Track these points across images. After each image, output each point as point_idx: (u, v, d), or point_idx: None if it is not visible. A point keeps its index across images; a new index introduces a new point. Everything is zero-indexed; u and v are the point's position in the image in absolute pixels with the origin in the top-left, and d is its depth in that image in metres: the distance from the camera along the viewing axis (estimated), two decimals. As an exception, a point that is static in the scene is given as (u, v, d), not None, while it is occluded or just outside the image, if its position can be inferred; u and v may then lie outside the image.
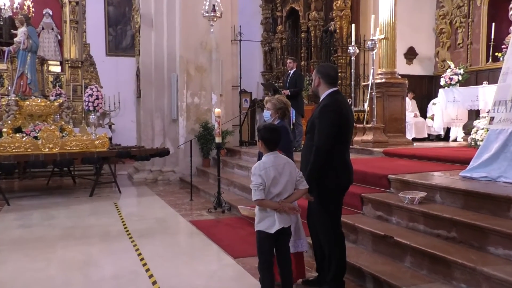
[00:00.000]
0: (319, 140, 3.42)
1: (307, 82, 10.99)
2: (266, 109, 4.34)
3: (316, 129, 3.45)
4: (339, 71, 11.32)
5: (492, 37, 9.82)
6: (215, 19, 8.97)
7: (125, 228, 6.14)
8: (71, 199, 8.42)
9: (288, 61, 9.08)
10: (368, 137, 7.97)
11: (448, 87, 9.37)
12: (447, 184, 4.53)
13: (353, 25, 9.06)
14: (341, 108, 3.48)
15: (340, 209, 3.65)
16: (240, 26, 11.05)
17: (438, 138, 10.73)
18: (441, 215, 4.07)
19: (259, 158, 3.81)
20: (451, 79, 9.36)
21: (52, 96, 11.08)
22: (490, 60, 10.06)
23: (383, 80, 8.45)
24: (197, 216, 6.82)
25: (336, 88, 3.60)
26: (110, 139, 11.10)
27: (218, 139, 7.07)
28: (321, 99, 3.61)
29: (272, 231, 3.22)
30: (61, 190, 9.49)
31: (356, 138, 8.27)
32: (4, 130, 8.41)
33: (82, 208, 7.60)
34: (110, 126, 14.31)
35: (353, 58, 8.89)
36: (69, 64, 13.87)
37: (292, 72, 8.85)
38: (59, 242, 5.52)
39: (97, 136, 8.94)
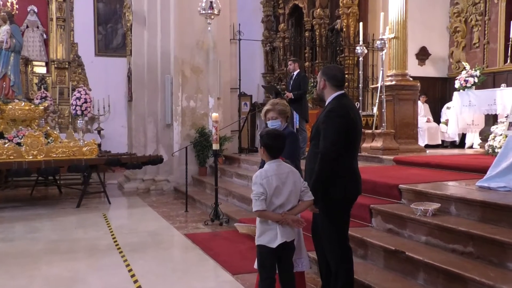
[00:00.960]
0: (325, 147, 3.41)
1: (312, 84, 11.00)
2: (271, 119, 4.18)
3: (322, 135, 3.44)
4: (345, 72, 11.35)
5: (511, 36, 9.84)
6: (212, 16, 9.01)
7: (115, 241, 6.12)
8: (56, 210, 8.39)
9: (289, 62, 9.09)
10: (378, 143, 7.97)
11: (464, 90, 9.37)
12: (463, 195, 4.51)
13: (361, 24, 9.10)
14: (349, 112, 3.48)
15: (347, 222, 3.64)
16: (239, 24, 11.08)
17: (452, 145, 10.72)
18: (457, 228, 4.06)
19: (261, 167, 3.80)
20: (466, 81, 9.37)
21: (37, 99, 11.08)
22: (508, 61, 10.07)
23: (393, 83, 8.46)
24: (193, 229, 6.80)
25: (343, 91, 3.61)
26: (99, 145, 11.10)
27: (215, 146, 7.06)
28: (326, 103, 3.61)
29: (274, 245, 3.21)
30: (46, 201, 9.48)
31: (364, 145, 8.26)
32: (-15, 136, 8.42)
33: (68, 220, 7.58)
34: (99, 132, 14.32)
35: (361, 58, 8.92)
36: (55, 65, 13.89)
37: (295, 73, 8.85)
38: (43, 257, 5.49)
39: (85, 142, 8.94)
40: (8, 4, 9.52)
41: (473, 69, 9.53)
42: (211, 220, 7.08)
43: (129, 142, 12.26)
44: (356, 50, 9.09)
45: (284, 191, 3.22)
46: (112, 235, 6.49)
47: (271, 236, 3.22)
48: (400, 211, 4.73)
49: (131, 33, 11.42)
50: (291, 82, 8.90)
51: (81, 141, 8.97)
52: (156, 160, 9.52)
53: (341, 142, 3.38)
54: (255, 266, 3.40)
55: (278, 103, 4.19)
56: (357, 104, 10.36)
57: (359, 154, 8.05)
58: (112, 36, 15.35)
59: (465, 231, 3.98)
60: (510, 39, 9.91)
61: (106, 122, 14.82)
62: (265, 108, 4.21)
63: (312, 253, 4.00)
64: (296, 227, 3.27)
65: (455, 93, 9.50)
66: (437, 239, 4.22)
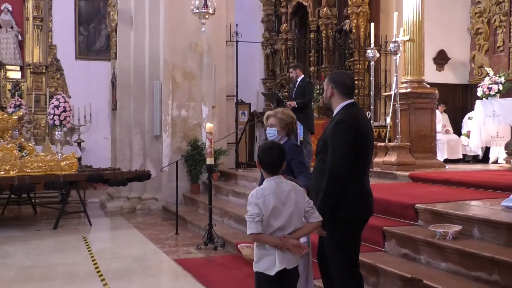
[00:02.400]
0: (333, 162, 3.42)
1: (317, 91, 11.04)
2: (269, 126, 4.33)
3: (329, 149, 3.46)
4: (355, 78, 11.39)
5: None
6: (207, 16, 9.06)
7: (96, 268, 6.09)
8: (31, 232, 8.36)
9: (290, 70, 9.13)
10: (391, 158, 7.99)
11: (487, 98, 9.41)
12: (487, 216, 4.52)
13: (372, 24, 9.15)
14: (359, 124, 3.50)
15: (358, 246, 3.64)
16: (236, 25, 11.15)
17: (475, 159, 10.74)
18: (480, 253, 4.05)
19: (261, 183, 3.81)
20: (490, 88, 9.40)
21: (10, 107, 11.11)
22: (536, 66, 10.13)
23: (408, 90, 8.49)
24: (184, 254, 6.77)
25: (352, 100, 3.63)
26: (79, 159, 11.09)
27: (209, 160, 7.06)
28: (334, 113, 3.63)
29: (272, 272, 3.19)
30: (19, 222, 9.44)
31: (376, 160, 8.27)
32: (-48, 148, 8.41)
33: (44, 243, 7.54)
34: (79, 144, 14.33)
35: (372, 63, 8.96)
36: (31, 70, 13.95)
37: (299, 80, 8.88)
38: (15, 286, 5.46)
39: (64, 156, 8.93)
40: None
41: (497, 75, 9.57)
42: (204, 243, 7.06)
43: (112, 155, 12.24)
44: (366, 54, 9.13)
45: (284, 212, 3.21)
46: (93, 260, 6.45)
47: (269, 263, 3.21)
48: (417, 234, 4.72)
49: (116, 34, 11.47)
50: (295, 89, 8.92)
51: (59, 154, 8.96)
52: (143, 176, 9.51)
53: (351, 157, 3.40)
54: None
55: (282, 112, 4.28)
56: (368, 113, 10.40)
57: (370, 170, 8.10)
58: (95, 38, 15.43)
59: (490, 256, 3.96)
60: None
61: (87, 134, 14.83)
62: (267, 113, 4.32)
63: (318, 281, 3.99)
64: (297, 254, 3.24)
65: (478, 102, 9.53)
66: (458, 265, 4.21)
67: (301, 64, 10.74)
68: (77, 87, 14.32)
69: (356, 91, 11.32)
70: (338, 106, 3.60)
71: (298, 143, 8.24)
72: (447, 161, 10.04)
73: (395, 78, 8.44)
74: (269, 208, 3.18)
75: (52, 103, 9.33)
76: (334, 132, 3.47)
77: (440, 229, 4.51)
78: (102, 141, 14.57)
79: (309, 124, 8.66)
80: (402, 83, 8.69)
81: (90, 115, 14.73)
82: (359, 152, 3.44)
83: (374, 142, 8.41)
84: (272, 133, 4.33)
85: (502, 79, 9.40)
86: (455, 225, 4.60)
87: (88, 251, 7.01)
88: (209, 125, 7.16)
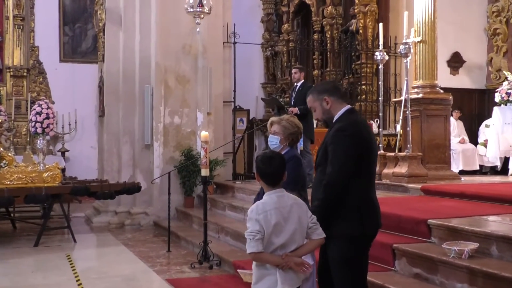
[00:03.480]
0: (332, 172, 3.47)
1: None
2: (272, 133, 4.33)
3: (329, 158, 3.51)
4: (363, 83, 11.43)
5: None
6: (202, 15, 9.07)
7: (81, 289, 6.08)
8: (9, 250, 8.32)
9: (293, 70, 9.16)
10: (402, 169, 7.99)
11: (505, 104, 9.43)
12: (506, 233, 4.51)
13: (380, 24, 9.18)
14: (361, 130, 3.55)
15: (366, 265, 3.64)
16: (234, 25, 11.18)
17: (493, 171, 10.73)
18: (499, 273, 4.04)
19: (258, 197, 3.80)
20: (509, 94, 9.44)
21: (-12, 114, 11.11)
22: (559, 69, 10.16)
23: (420, 95, 8.50)
24: (177, 273, 6.75)
25: (350, 106, 3.71)
26: (63, 170, 11.07)
27: (205, 171, 7.06)
28: (334, 120, 3.67)
29: (273, 294, 3.19)
30: (-3, 238, 9.43)
31: (386, 171, 8.28)
32: None
33: (24, 262, 7.51)
34: (63, 154, 14.31)
35: (380, 66, 8.98)
36: (11, 73, 13.96)
37: (299, 84, 8.91)
38: (-8, 308, 5.45)
39: (46, 167, 8.92)
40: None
41: (517, 79, 9.60)
42: (199, 262, 7.03)
43: (99, 166, 12.24)
44: (375, 56, 9.16)
45: (287, 229, 3.22)
46: (78, 280, 6.42)
47: (270, 283, 3.21)
48: (430, 252, 4.72)
49: (103, 34, 11.50)
50: (294, 95, 8.95)
51: (41, 165, 8.95)
52: (132, 188, 9.49)
53: (352, 167, 3.45)
54: None
55: (288, 120, 4.30)
56: (377, 121, 10.42)
57: (379, 182, 8.11)
58: (81, 39, 15.46)
59: (510, 277, 3.95)
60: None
61: (72, 142, 14.82)
62: (272, 119, 4.33)
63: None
64: (301, 272, 3.24)
65: (495, 108, 9.55)
66: (475, 286, 4.20)
67: (305, 69, 10.76)
68: (61, 92, 14.32)
69: (364, 96, 11.37)
70: (338, 113, 3.65)
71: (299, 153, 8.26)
72: (462, 172, 10.04)
73: (405, 82, 8.45)
74: (270, 225, 3.17)
75: (34, 109, 9.33)
76: (334, 140, 3.52)
77: (455, 247, 4.50)
78: (88, 151, 14.55)
79: (310, 133, 8.67)
80: (413, 88, 8.71)
81: (75, 122, 14.72)
82: (362, 161, 3.49)
83: (384, 152, 8.53)
84: (273, 141, 4.34)
85: (522, 84, 9.43)
86: (471, 242, 4.59)
87: (72, 270, 6.97)
88: (204, 133, 7.16)
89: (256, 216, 3.18)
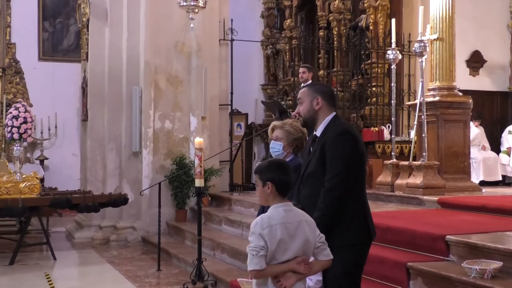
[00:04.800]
0: (333, 177, 3.61)
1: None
2: (273, 139, 4.35)
3: (330, 163, 3.65)
4: (373, 84, 11.45)
5: None
6: (196, 10, 9.09)
7: (62, 312, 6.07)
8: (-18, 268, 8.31)
9: (301, 70, 9.19)
10: (416, 180, 7.98)
11: (531, 108, 9.44)
12: (533, 250, 4.51)
13: (393, 20, 9.19)
14: (358, 135, 3.86)
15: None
16: (231, 20, 11.20)
17: (517, 181, 10.75)
18: (525, 295, 4.04)
19: (261, 213, 3.79)
20: (534, 97, 9.44)
21: (-40, 118, 11.10)
22: None
23: (436, 98, 8.51)
24: (167, 295, 6.74)
25: (336, 113, 3.91)
26: (42, 180, 11.05)
27: (199, 182, 7.05)
28: (322, 128, 3.82)
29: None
30: (-31, 255, 9.40)
31: (398, 182, 8.28)
32: None
33: (-2, 281, 7.50)
34: (42, 162, 14.30)
35: (393, 66, 8.99)
36: (-15, 73, 13.97)
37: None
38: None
39: (23, 176, 8.91)
40: None
41: (543, 81, 9.62)
42: (192, 282, 7.01)
43: (82, 176, 12.22)
44: (387, 55, 9.17)
45: (292, 247, 3.21)
46: (58, 302, 6.43)
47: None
48: (448, 272, 4.71)
49: (87, 30, 11.50)
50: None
51: (18, 174, 8.93)
52: (118, 200, 9.47)
53: (354, 172, 3.67)
54: None
55: (291, 124, 4.32)
56: (389, 126, 10.43)
57: (391, 193, 8.12)
58: (62, 35, 15.47)
59: (536, 299, 3.96)
60: None
61: (51, 149, 14.81)
62: (274, 123, 4.34)
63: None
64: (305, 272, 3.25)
65: (520, 113, 9.56)
66: (499, 310, 4.20)
67: (315, 69, 10.79)
68: (40, 93, 14.31)
69: (374, 99, 11.39)
70: (325, 119, 3.84)
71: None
72: (483, 183, 10.05)
73: (420, 84, 8.45)
74: (275, 241, 3.16)
75: (10, 112, 9.33)
76: (334, 145, 3.67)
77: (476, 266, 4.49)
78: (69, 159, 14.52)
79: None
80: (429, 90, 8.71)
81: (56, 127, 14.71)
82: (359, 166, 3.75)
83: (397, 160, 8.55)
84: (276, 148, 4.35)
85: (549, 86, 9.45)
86: (494, 261, 4.58)
87: (52, 291, 6.97)
88: (198, 140, 7.16)
89: (260, 230, 3.18)
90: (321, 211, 3.58)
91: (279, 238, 3.18)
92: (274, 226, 3.20)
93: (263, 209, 4.17)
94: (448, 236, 5.17)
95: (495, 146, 11.32)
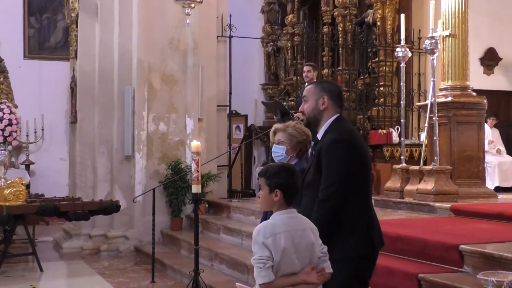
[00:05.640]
0: (327, 188, 3.62)
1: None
2: (276, 143, 4.35)
3: (323, 173, 3.66)
4: (381, 83, 11.46)
5: None
6: (192, 5, 9.10)
7: (49, 327, 6.07)
8: (-36, 280, 8.31)
9: (306, 68, 9.19)
10: (428, 185, 7.98)
11: (549, 109, 9.45)
12: (553, 260, 4.51)
13: (402, 16, 9.22)
14: (358, 141, 3.81)
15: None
16: (230, 16, 11.22)
17: (535, 187, 10.74)
18: (545, 308, 4.04)
19: (265, 219, 3.79)
20: (552, 97, 9.45)
21: None
22: None
23: (449, 99, 8.51)
24: (162, 309, 6.75)
25: (340, 114, 3.89)
26: (28, 186, 11.04)
27: (196, 188, 7.03)
28: (323, 130, 3.83)
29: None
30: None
31: (408, 187, 8.27)
32: None
33: (-19, 294, 7.51)
34: (28, 167, 14.29)
35: (402, 64, 9.00)
36: (-32, 72, 13.97)
37: (309, 85, 8.92)
38: None
39: (8, 182, 8.90)
40: None
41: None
42: (188, 295, 7.02)
43: (71, 181, 12.21)
44: (395, 53, 9.18)
45: (296, 256, 3.20)
46: (45, 316, 6.43)
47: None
48: (462, 284, 4.70)
49: (76, 27, 11.51)
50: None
51: (2, 180, 8.94)
52: (110, 207, 9.46)
53: (350, 182, 3.64)
54: None
55: (294, 127, 4.32)
56: (397, 129, 10.44)
57: (400, 200, 8.12)
58: (49, 31, 15.48)
59: (557, 313, 3.96)
60: None
61: (38, 153, 14.81)
62: (276, 126, 4.34)
63: None
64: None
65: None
66: (517, 324, 4.20)
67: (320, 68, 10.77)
68: (26, 93, 14.28)
69: (382, 99, 11.40)
70: (328, 120, 3.84)
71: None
72: (498, 189, 10.05)
73: (432, 83, 8.45)
74: (279, 250, 3.16)
75: (-6, 114, 9.33)
76: (329, 153, 3.67)
77: (492, 278, 4.48)
78: (57, 163, 14.52)
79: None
80: (441, 90, 8.72)
81: (42, 129, 14.70)
82: (361, 174, 3.71)
83: (406, 165, 8.54)
84: (278, 152, 4.35)
85: None
86: (511, 272, 4.58)
87: (39, 304, 6.98)
88: (195, 143, 7.14)
89: (263, 239, 3.16)
90: (314, 223, 3.52)
91: (284, 247, 3.17)
92: (278, 234, 3.18)
93: (265, 217, 4.17)
94: (462, 246, 5.17)
95: (511, 149, 11.32)
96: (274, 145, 4.43)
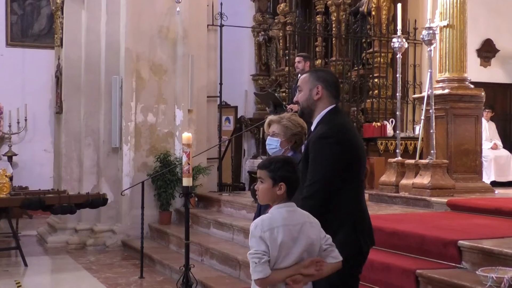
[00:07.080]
0: (311, 184, 3.58)
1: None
2: (270, 135, 4.35)
3: (309, 169, 3.63)
4: (375, 74, 11.47)
5: None
6: (183, -8, 9.08)
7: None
8: None
9: (297, 59, 9.19)
10: (424, 180, 8.00)
11: (547, 102, 9.50)
12: (553, 256, 4.54)
13: (398, 5, 9.20)
14: (346, 135, 3.71)
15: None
16: (221, 4, 11.17)
17: (532, 182, 10.80)
18: (546, 305, 4.07)
19: (258, 214, 3.79)
20: (551, 90, 9.49)
21: None
22: None
23: (446, 91, 8.53)
24: (152, 305, 6.76)
25: (335, 105, 3.84)
26: (11, 179, 11.00)
27: (187, 181, 7.01)
28: (316, 121, 3.80)
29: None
30: None
31: (404, 182, 8.29)
32: None
33: (-36, 290, 7.49)
34: (10, 158, 14.23)
35: (398, 55, 9.01)
36: None
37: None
38: None
39: (-9, 174, 8.89)
40: None
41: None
42: (178, 291, 7.03)
43: (55, 174, 12.18)
44: (392, 44, 9.18)
45: (294, 251, 3.21)
46: (31, 313, 6.42)
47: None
48: (461, 280, 4.71)
49: (62, 14, 11.47)
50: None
51: (-15, 172, 8.92)
52: (97, 201, 9.45)
53: (335, 179, 3.60)
54: None
55: (289, 118, 4.31)
56: (392, 121, 10.48)
57: (395, 194, 8.14)
58: (33, 18, 15.39)
59: (558, 309, 3.99)
60: None
61: (21, 145, 14.75)
62: (270, 118, 4.33)
63: None
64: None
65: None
66: (517, 321, 4.23)
67: (312, 59, 10.75)
68: (9, 82, 14.25)
69: (376, 91, 11.42)
70: (322, 111, 3.79)
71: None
72: (495, 184, 10.08)
73: (429, 75, 8.45)
74: (277, 244, 3.16)
75: (-23, 104, 9.29)
76: (316, 148, 3.64)
77: (492, 274, 4.50)
78: (41, 155, 14.49)
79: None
80: (438, 82, 8.73)
81: (25, 120, 14.66)
82: (350, 170, 3.65)
83: (401, 159, 8.56)
84: (273, 144, 4.34)
85: None
86: (511, 268, 4.60)
87: (24, 300, 6.97)
88: (186, 135, 7.12)
89: (260, 233, 3.17)
90: None
91: (281, 241, 3.18)
92: (276, 228, 3.19)
93: (259, 211, 4.18)
94: (460, 241, 5.18)
95: (508, 143, 11.37)
96: (269, 137, 4.42)
